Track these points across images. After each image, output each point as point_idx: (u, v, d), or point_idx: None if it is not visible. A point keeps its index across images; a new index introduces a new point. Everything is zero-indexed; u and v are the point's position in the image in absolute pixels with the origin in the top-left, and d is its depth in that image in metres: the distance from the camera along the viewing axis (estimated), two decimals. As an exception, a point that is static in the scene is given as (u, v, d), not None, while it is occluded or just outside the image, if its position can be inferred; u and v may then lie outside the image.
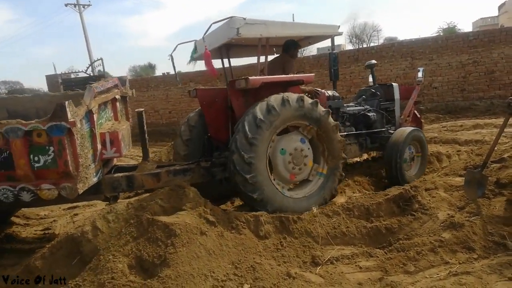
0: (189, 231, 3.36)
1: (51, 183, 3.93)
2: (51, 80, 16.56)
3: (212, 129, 5.28)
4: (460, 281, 3.03)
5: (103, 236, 3.61)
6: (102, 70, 16.03)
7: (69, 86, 16.60)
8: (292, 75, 5.10)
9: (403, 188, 4.38)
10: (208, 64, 4.65)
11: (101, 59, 15.63)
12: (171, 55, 5.32)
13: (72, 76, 16.86)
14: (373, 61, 6.53)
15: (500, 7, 38.71)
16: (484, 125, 8.58)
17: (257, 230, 3.70)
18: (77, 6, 31.90)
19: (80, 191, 3.95)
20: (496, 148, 5.03)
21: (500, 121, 8.97)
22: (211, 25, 4.73)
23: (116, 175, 4.48)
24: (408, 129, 5.76)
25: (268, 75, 4.83)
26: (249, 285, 3.14)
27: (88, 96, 4.06)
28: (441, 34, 33.15)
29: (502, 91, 11.73)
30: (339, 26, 5.34)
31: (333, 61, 5.82)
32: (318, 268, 3.43)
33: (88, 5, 32.63)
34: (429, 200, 4.34)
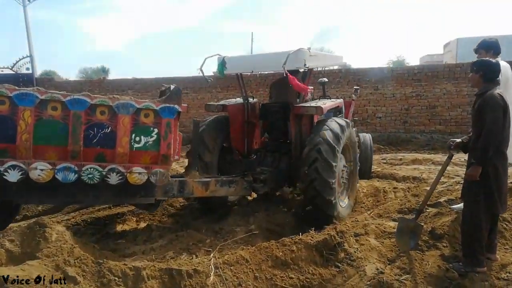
0: (31, 292, 2.45)
1: (143, 167, 3.83)
2: (-28, 74, 14.73)
3: (235, 141, 5.71)
4: None
5: None
6: (30, 68, 14.45)
7: (-9, 83, 14.88)
8: (337, 102, 6.21)
9: (327, 234, 3.73)
10: (297, 84, 4.89)
11: (31, 56, 14.11)
12: (201, 69, 5.61)
13: (-2, 72, 15.13)
14: (325, 79, 7.03)
15: (445, 46, 40.98)
16: (423, 160, 8.35)
17: (136, 288, 2.85)
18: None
19: (168, 179, 4.00)
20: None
21: (438, 157, 8.83)
22: (205, 59, 5.54)
23: (170, 178, 4.27)
24: (367, 135, 7.43)
25: (286, 93, 5.39)
26: None
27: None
28: (391, 66, 34.38)
29: (442, 126, 11.79)
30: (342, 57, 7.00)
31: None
32: None
33: (33, -1, 30.19)
34: (357, 248, 3.73)
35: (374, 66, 12.72)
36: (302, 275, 3.34)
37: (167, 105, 3.88)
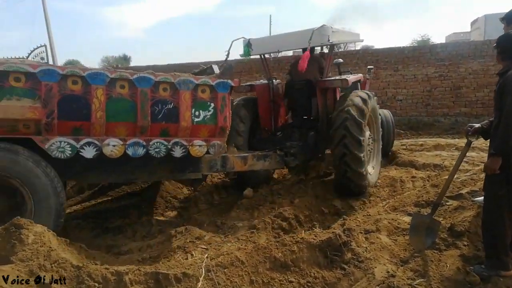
0: (-2, 301, 2.26)
1: (203, 140, 4.12)
2: (-13, 65, 14.88)
3: (263, 120, 6.03)
4: None
5: None
6: (45, 57, 14.42)
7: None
8: (358, 76, 6.51)
9: (332, 232, 3.41)
10: (304, 61, 5.12)
11: (45, 45, 14.07)
12: (228, 51, 5.77)
13: (13, 62, 15.21)
14: (340, 60, 7.09)
15: (472, 23, 39.11)
16: (445, 146, 7.82)
17: (117, 295, 2.63)
18: (37, -12, 29.70)
19: (225, 151, 4.38)
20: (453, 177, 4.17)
21: (463, 142, 8.27)
22: (232, 42, 5.77)
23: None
24: (386, 111, 7.41)
25: (307, 71, 5.31)
26: None
27: None
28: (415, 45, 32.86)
29: (468, 109, 11.12)
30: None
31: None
32: None
33: (50, -11, 30.54)
34: (366, 248, 3.40)
35: (395, 46, 12.07)
36: (303, 279, 3.04)
37: (222, 80, 4.17)
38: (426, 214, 3.61)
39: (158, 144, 3.88)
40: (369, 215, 4.33)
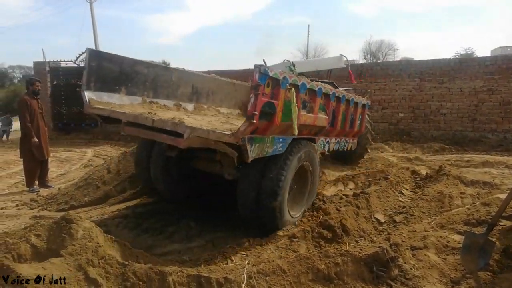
0: (47, 294, 2.30)
1: (351, 138, 6.30)
2: (39, 67, 15.71)
3: None
4: None
5: None
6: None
7: (57, 75, 15.80)
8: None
9: (379, 247, 3.27)
10: (352, 76, 9.02)
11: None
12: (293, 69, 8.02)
13: (62, 65, 15.99)
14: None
15: (520, 37, 37.31)
16: (494, 163, 7.41)
17: (160, 295, 2.63)
18: (87, -4, 31.18)
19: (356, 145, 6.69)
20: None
21: (513, 160, 7.84)
22: (284, 61, 8.33)
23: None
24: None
25: None
26: None
27: None
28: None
29: (518, 125, 10.54)
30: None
31: None
32: None
33: (99, -4, 32.05)
34: (414, 265, 3.24)
35: (440, 58, 11.65)
36: (347, 292, 2.93)
37: (368, 100, 6.59)
38: (479, 233, 3.40)
39: (342, 141, 5.84)
40: (415, 231, 4.13)
